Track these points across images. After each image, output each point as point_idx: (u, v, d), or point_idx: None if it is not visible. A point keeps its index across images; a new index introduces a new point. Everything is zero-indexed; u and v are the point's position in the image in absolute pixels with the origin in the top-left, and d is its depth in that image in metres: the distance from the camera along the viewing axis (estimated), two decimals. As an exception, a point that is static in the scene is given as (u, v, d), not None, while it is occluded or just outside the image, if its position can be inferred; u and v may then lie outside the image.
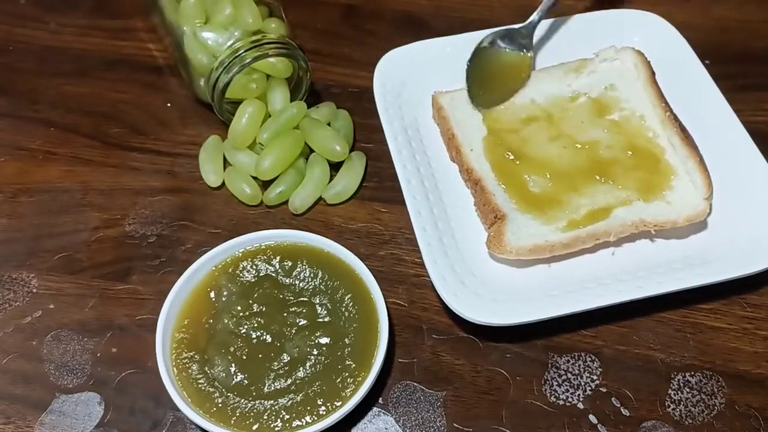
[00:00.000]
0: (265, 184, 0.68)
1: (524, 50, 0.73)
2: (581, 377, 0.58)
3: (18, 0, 0.87)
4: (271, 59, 0.68)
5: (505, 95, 0.71)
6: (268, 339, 0.56)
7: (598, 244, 0.61)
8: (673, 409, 0.56)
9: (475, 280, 0.60)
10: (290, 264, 0.60)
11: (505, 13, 0.84)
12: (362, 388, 0.54)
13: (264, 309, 0.58)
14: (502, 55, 0.73)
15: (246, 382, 0.54)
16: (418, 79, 0.73)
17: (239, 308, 0.58)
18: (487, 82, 0.71)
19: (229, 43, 0.67)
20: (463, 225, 0.64)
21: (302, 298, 0.58)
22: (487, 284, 0.60)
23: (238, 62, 0.66)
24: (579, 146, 0.67)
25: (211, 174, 0.69)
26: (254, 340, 0.56)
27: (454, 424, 0.56)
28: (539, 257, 0.61)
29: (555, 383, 0.58)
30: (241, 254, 0.61)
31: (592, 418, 0.56)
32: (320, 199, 0.68)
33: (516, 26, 0.74)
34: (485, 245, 0.62)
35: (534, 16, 0.74)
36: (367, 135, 0.73)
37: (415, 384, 0.58)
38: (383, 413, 0.56)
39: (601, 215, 0.62)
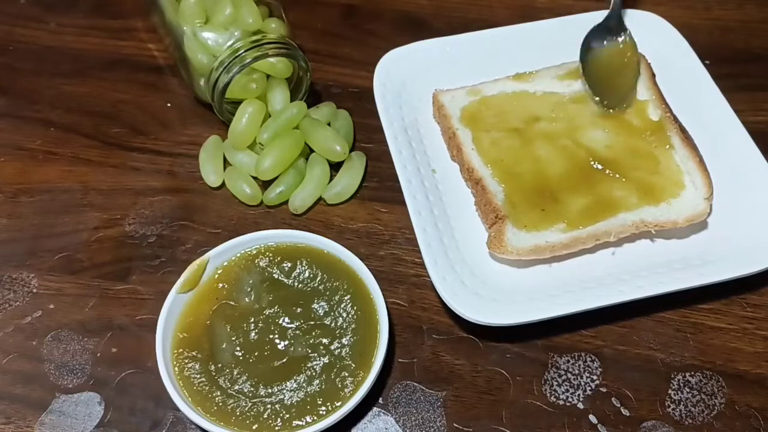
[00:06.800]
0: (265, 184, 0.68)
1: (621, 36, 0.71)
2: (581, 377, 0.58)
3: (18, 0, 0.87)
4: (271, 59, 0.68)
5: (628, 91, 0.69)
6: (268, 339, 0.56)
7: (598, 244, 0.61)
8: (673, 409, 0.56)
9: (475, 279, 0.60)
10: (290, 264, 0.60)
11: (506, 13, 0.84)
12: (362, 388, 0.54)
13: (264, 309, 0.58)
14: (604, 54, 0.71)
15: (246, 381, 0.54)
16: (418, 79, 0.73)
17: (239, 308, 0.58)
18: (606, 85, 0.69)
19: (229, 43, 0.67)
20: (463, 225, 0.64)
21: (302, 298, 0.58)
22: (487, 284, 0.60)
23: (238, 62, 0.66)
24: (579, 146, 0.67)
25: (211, 174, 0.69)
26: (254, 340, 0.56)
27: (454, 424, 0.56)
28: (540, 257, 0.61)
29: (555, 383, 0.58)
30: (241, 254, 0.61)
31: (592, 418, 0.56)
32: (320, 199, 0.68)
33: (602, 19, 0.73)
34: (486, 245, 0.62)
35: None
36: (367, 135, 0.73)
37: (415, 384, 0.58)
38: (383, 413, 0.56)
39: (601, 215, 0.62)
